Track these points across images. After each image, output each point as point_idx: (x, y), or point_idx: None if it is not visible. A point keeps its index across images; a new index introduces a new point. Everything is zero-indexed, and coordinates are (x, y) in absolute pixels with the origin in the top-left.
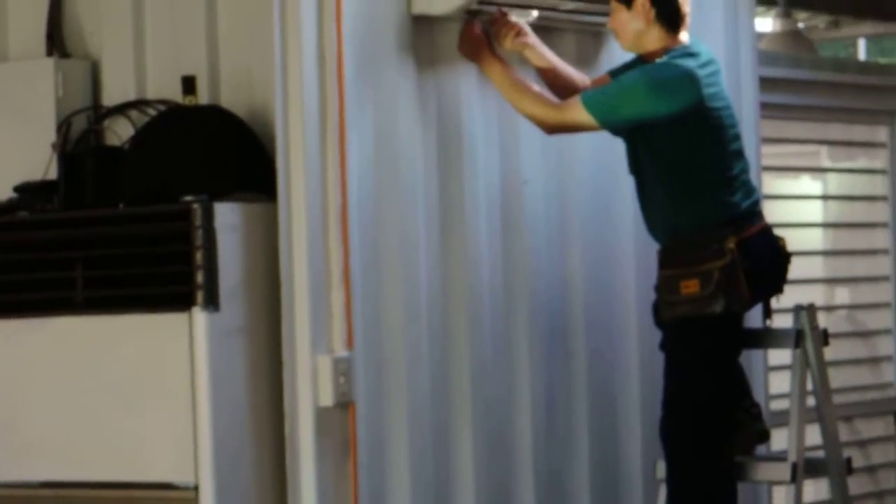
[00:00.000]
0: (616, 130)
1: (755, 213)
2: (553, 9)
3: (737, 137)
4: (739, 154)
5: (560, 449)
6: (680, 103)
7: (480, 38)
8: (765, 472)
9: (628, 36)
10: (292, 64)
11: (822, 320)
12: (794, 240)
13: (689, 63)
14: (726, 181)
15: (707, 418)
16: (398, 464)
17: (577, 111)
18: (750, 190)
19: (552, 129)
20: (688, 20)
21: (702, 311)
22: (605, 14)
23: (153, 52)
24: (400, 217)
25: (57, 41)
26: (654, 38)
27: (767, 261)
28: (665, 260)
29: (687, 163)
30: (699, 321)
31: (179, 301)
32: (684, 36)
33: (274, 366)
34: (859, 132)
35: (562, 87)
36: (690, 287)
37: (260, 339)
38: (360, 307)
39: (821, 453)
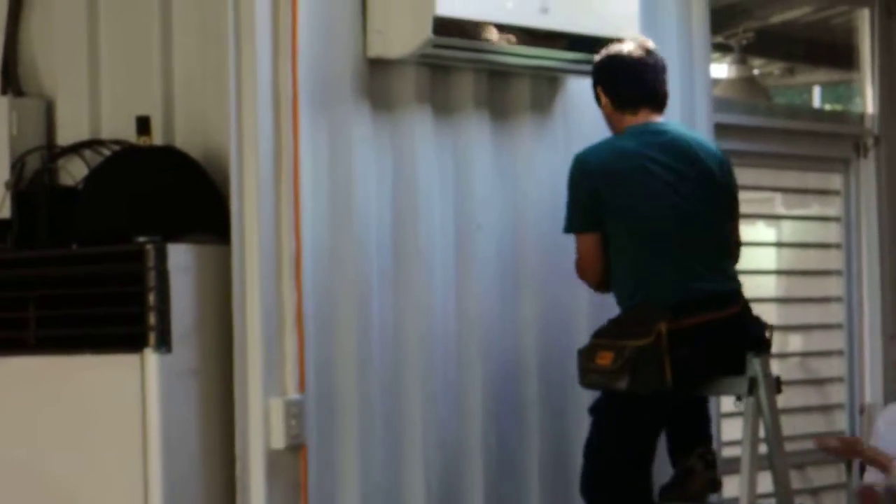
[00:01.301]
0: (596, 226)
1: (700, 302)
2: (508, 53)
3: (659, 230)
4: (663, 244)
5: (511, 495)
6: (581, 195)
7: None
8: None
9: (608, 124)
10: (247, 106)
11: (776, 367)
12: (748, 286)
13: (603, 148)
14: (654, 265)
15: (610, 487)
16: None
17: (577, 245)
18: (686, 280)
19: (591, 274)
20: (655, 97)
21: (606, 385)
22: (560, 59)
23: (108, 91)
24: (353, 260)
25: (11, 79)
26: (621, 121)
27: (713, 350)
28: (599, 329)
29: (611, 246)
30: (614, 394)
31: (132, 342)
32: (651, 114)
33: (226, 408)
34: (813, 179)
35: None
36: (604, 359)
37: (212, 381)
38: (312, 350)
39: (772, 501)
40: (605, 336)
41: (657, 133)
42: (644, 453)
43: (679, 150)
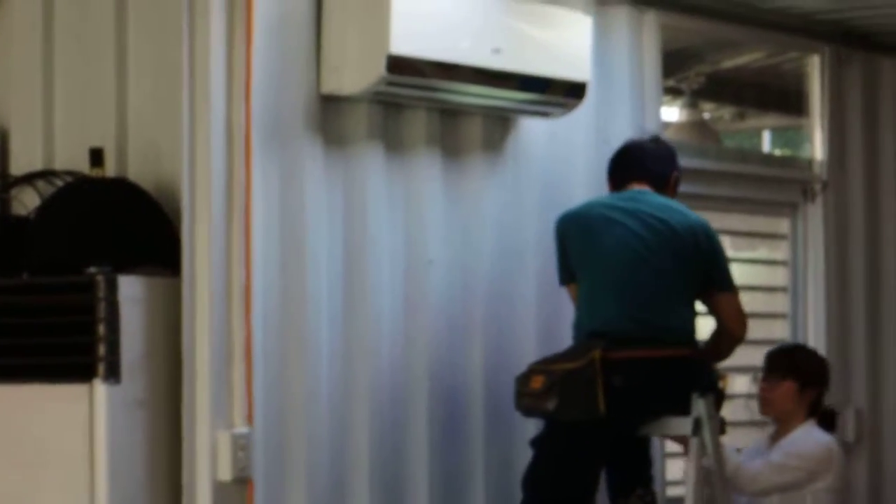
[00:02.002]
0: (569, 278)
1: (637, 338)
2: (461, 93)
3: (611, 266)
4: (612, 279)
5: None
6: (557, 247)
7: None
8: None
9: None
10: (200, 139)
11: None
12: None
13: (579, 205)
14: (597, 301)
15: None
16: None
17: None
18: (628, 314)
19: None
20: (628, 177)
21: (536, 407)
22: (512, 100)
23: (62, 122)
24: (303, 294)
25: None
26: None
27: (654, 388)
28: (541, 358)
29: (579, 288)
30: (554, 423)
31: (81, 372)
32: (637, 185)
33: (173, 439)
34: (762, 223)
35: None
36: (536, 383)
37: (160, 413)
38: (261, 383)
39: None
40: (538, 363)
41: (633, 195)
42: (582, 489)
43: (648, 207)
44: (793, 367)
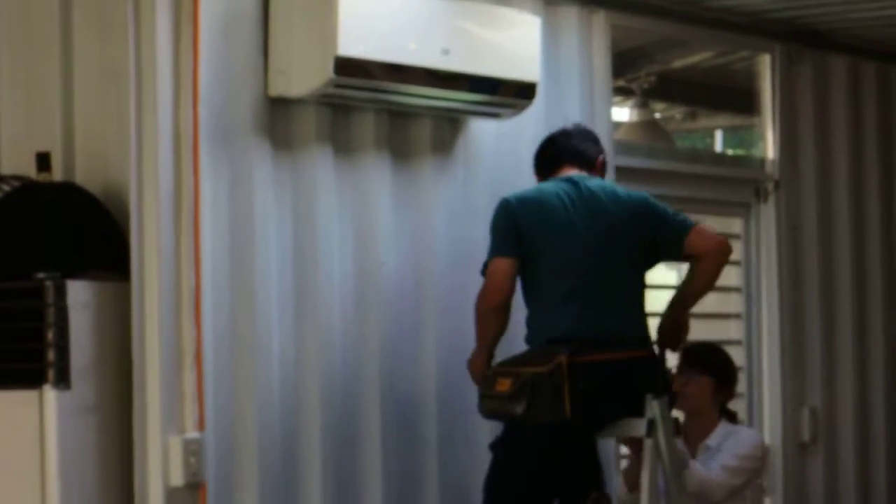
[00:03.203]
0: (507, 253)
1: (605, 340)
2: (410, 94)
3: (571, 263)
4: (572, 279)
5: None
6: (501, 228)
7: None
8: None
9: None
10: (148, 143)
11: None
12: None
13: (527, 190)
14: (557, 303)
15: None
16: None
17: (492, 267)
18: (598, 317)
19: (497, 294)
20: (565, 158)
21: (503, 410)
22: (462, 101)
23: (8, 127)
24: (254, 298)
25: None
26: None
27: (613, 389)
28: (501, 361)
29: (525, 280)
30: (515, 426)
31: (30, 378)
32: (569, 170)
33: (125, 445)
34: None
35: None
36: (503, 385)
37: (111, 419)
38: (212, 388)
39: None
40: (503, 365)
41: (574, 182)
42: (545, 492)
43: (592, 197)
44: (711, 364)
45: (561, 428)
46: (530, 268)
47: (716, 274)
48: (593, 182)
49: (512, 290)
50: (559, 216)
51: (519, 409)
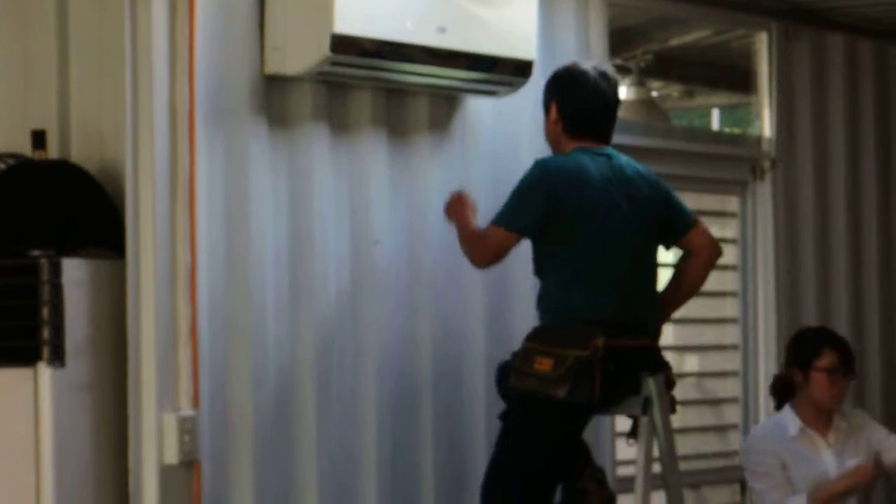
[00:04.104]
0: (528, 232)
1: (631, 326)
2: (406, 72)
3: (608, 245)
4: (609, 262)
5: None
6: (528, 195)
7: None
8: None
9: (548, 139)
10: (143, 120)
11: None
12: None
13: (566, 160)
14: (593, 283)
15: (525, 498)
16: None
17: (492, 233)
18: (627, 302)
19: (484, 262)
20: (601, 128)
21: (545, 391)
22: (458, 79)
23: (3, 105)
24: (249, 275)
25: None
26: (564, 143)
27: (630, 377)
28: (533, 333)
29: (555, 254)
30: (543, 401)
31: (25, 356)
32: (597, 142)
33: (119, 423)
34: (711, 201)
35: None
36: (544, 364)
37: (105, 396)
38: (206, 366)
39: None
40: (540, 342)
41: (608, 157)
42: (559, 464)
43: (626, 178)
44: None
45: (589, 409)
46: (563, 243)
47: (708, 274)
48: (623, 160)
49: (498, 263)
50: (599, 195)
51: (562, 391)
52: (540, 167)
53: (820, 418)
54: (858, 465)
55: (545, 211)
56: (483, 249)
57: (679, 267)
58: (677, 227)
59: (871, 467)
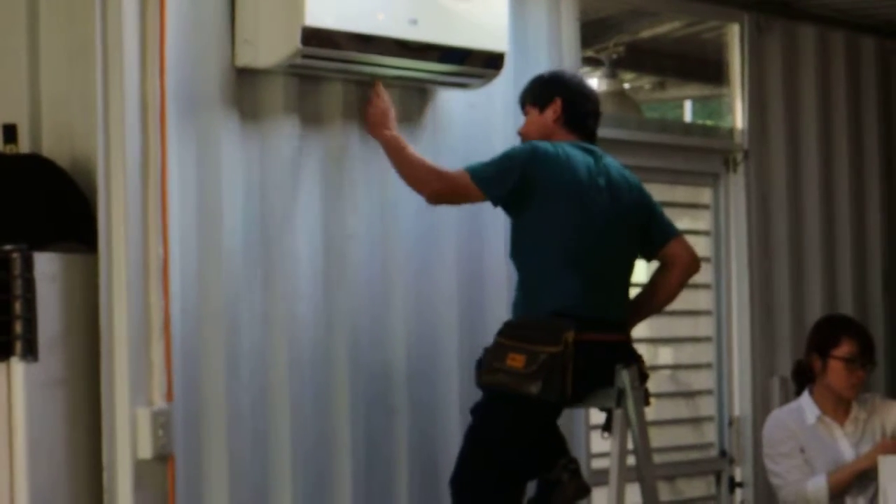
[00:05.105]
0: (494, 199)
1: (602, 320)
2: (378, 65)
3: (588, 234)
4: (587, 250)
5: (380, 499)
6: (509, 167)
7: (387, 107)
8: None
9: (533, 131)
10: (114, 114)
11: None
12: None
13: (556, 148)
14: (569, 268)
15: (494, 492)
16: None
17: (460, 177)
18: (601, 293)
19: (437, 196)
20: (593, 129)
21: (517, 387)
22: (430, 71)
23: None
24: (221, 270)
25: None
26: (559, 136)
27: (601, 371)
28: (505, 329)
29: (530, 241)
30: (514, 397)
31: None
32: (581, 137)
33: (93, 417)
34: (683, 193)
35: None
36: (516, 361)
37: (79, 391)
38: (180, 360)
39: None
40: (511, 338)
41: (597, 156)
42: (529, 460)
43: (610, 177)
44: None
45: (560, 405)
46: (538, 229)
47: (681, 288)
48: (608, 159)
49: (446, 204)
50: (582, 188)
51: (535, 388)
52: (531, 147)
53: (838, 406)
54: (880, 443)
55: (516, 187)
56: (443, 184)
57: (654, 278)
58: (658, 235)
59: (892, 443)
